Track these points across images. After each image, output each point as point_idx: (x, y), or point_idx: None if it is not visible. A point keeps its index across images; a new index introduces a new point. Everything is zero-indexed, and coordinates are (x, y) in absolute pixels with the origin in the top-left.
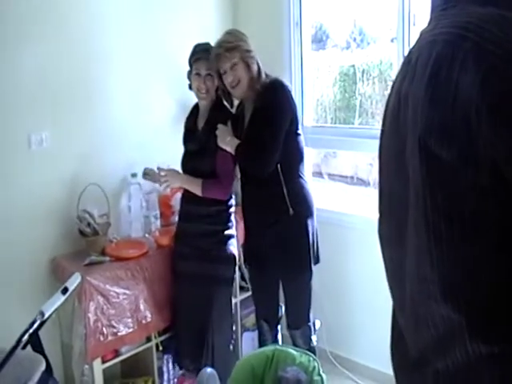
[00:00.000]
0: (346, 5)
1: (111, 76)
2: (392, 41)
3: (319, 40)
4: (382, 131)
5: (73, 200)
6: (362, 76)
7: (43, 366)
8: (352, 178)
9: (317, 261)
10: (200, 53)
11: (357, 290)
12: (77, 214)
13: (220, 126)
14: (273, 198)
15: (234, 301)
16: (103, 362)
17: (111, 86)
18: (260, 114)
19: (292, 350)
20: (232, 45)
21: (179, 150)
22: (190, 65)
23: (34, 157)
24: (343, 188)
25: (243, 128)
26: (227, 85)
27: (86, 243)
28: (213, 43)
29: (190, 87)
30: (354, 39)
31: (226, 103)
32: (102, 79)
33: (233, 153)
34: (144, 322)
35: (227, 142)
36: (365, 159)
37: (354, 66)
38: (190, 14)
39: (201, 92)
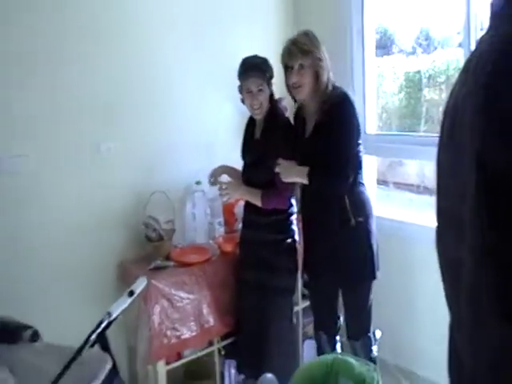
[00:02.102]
0: (411, 9)
1: (174, 85)
2: (460, 45)
3: (384, 45)
4: (440, 141)
5: (139, 206)
6: (428, 82)
7: (110, 365)
8: (418, 186)
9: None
10: (248, 70)
11: (421, 301)
12: (143, 220)
13: (281, 161)
14: (334, 207)
15: (295, 308)
16: (167, 363)
17: (174, 94)
18: (328, 131)
19: (352, 360)
20: (306, 48)
21: (240, 157)
22: (240, 80)
23: (103, 164)
24: (409, 197)
25: (303, 135)
26: (289, 83)
27: (152, 248)
28: (273, 53)
29: (243, 101)
30: (420, 44)
31: (280, 109)
32: (167, 88)
33: (305, 182)
34: (206, 326)
35: (294, 173)
36: (432, 168)
37: (419, 71)
38: (250, 22)
39: (254, 108)
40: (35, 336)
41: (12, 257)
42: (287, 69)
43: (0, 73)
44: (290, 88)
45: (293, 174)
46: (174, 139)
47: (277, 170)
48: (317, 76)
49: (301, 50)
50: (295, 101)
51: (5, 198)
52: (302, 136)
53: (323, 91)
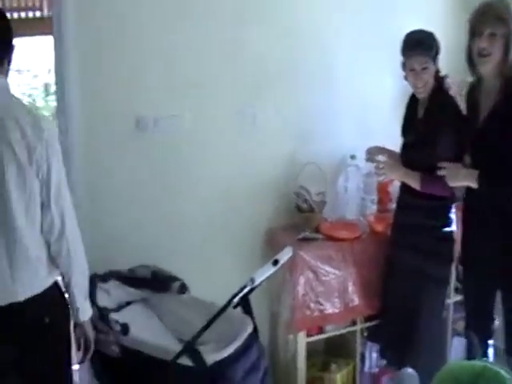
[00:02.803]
0: None
1: (333, 54)
2: None
3: None
4: None
5: (292, 176)
6: None
7: (251, 328)
8: None
9: None
10: (412, 47)
11: None
12: (294, 190)
13: (446, 164)
14: (504, 197)
15: (447, 302)
16: (307, 335)
17: (333, 64)
18: (509, 118)
19: (504, 373)
20: (502, 14)
21: (399, 136)
22: (404, 57)
23: (258, 132)
24: None
25: (475, 122)
26: (476, 49)
27: (301, 219)
28: (438, 26)
29: (406, 78)
30: None
31: (446, 87)
32: (325, 57)
33: (474, 186)
34: (351, 304)
35: (461, 177)
36: None
37: None
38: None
39: (417, 87)
40: (183, 288)
41: (165, 212)
42: (474, 35)
43: (168, 30)
44: (475, 56)
45: (460, 178)
46: (331, 111)
47: (441, 172)
48: (507, 49)
49: (496, 15)
50: (474, 75)
51: (160, 156)
52: (474, 122)
53: (510, 68)
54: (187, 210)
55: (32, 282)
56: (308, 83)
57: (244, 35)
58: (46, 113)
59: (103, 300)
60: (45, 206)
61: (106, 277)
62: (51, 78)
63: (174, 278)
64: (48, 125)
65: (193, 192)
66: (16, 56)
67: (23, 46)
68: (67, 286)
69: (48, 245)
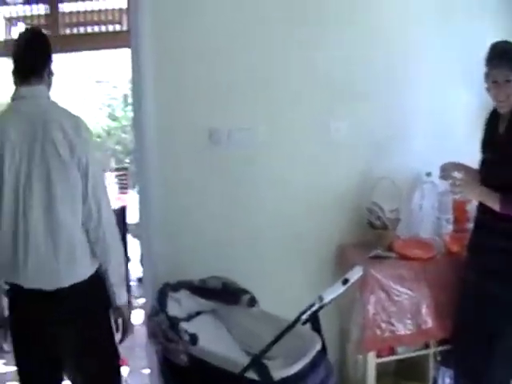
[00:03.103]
0: None
1: (409, 67)
2: None
3: None
4: None
5: (365, 191)
6: None
7: (319, 346)
8: None
9: None
10: (497, 57)
11: None
12: (367, 206)
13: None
14: None
15: None
16: (378, 356)
17: (409, 77)
18: None
19: None
20: None
21: (477, 153)
22: (487, 67)
23: (333, 146)
24: None
25: None
26: (492, 94)
27: (374, 236)
28: None
29: (488, 90)
30: None
31: None
32: (400, 70)
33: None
34: (424, 327)
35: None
36: None
37: None
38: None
39: (499, 100)
40: (252, 301)
41: (237, 225)
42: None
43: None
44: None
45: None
46: (406, 126)
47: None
48: None
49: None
50: None
51: (233, 168)
52: None
53: None
54: (259, 223)
55: (76, 269)
56: (383, 98)
57: (322, 50)
58: (124, 122)
59: (174, 309)
60: (84, 196)
61: (177, 286)
62: (130, 89)
63: (244, 291)
64: (86, 126)
65: (265, 205)
66: (96, 67)
67: (104, 58)
68: (105, 272)
69: (87, 233)
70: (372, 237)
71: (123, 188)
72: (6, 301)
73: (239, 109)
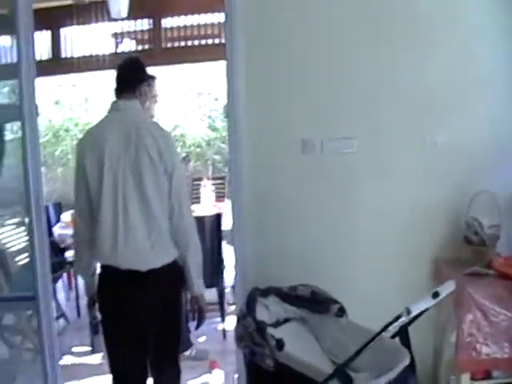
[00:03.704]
0: None
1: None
2: None
3: None
4: None
5: (461, 205)
6: None
7: (407, 361)
8: None
9: None
10: None
11: None
12: (465, 220)
13: None
14: None
15: None
16: (472, 379)
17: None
18: None
19: None
20: None
21: None
22: None
23: (429, 157)
24: None
25: None
26: None
27: (471, 252)
28: None
29: None
30: None
31: None
32: (502, 81)
33: None
34: None
35: None
36: None
37: None
38: None
39: None
40: (341, 311)
41: (329, 235)
42: None
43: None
44: None
45: None
46: (506, 141)
47: None
48: None
49: None
50: None
51: (326, 179)
52: None
53: None
54: (352, 234)
55: (163, 253)
56: (485, 109)
57: (417, 62)
58: (224, 133)
59: (262, 314)
60: (168, 195)
61: (266, 292)
62: None
63: (334, 301)
64: (170, 135)
65: (358, 216)
66: (198, 79)
67: (205, 71)
68: (184, 264)
69: (171, 226)
70: (468, 253)
71: (220, 196)
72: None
73: (332, 119)
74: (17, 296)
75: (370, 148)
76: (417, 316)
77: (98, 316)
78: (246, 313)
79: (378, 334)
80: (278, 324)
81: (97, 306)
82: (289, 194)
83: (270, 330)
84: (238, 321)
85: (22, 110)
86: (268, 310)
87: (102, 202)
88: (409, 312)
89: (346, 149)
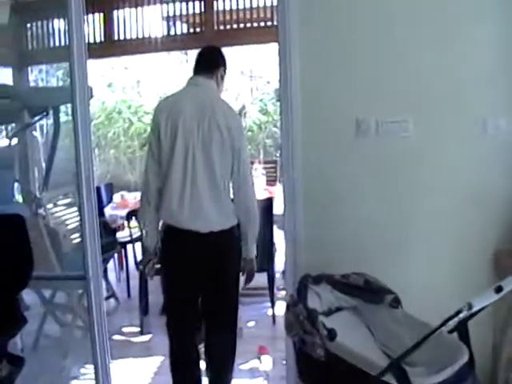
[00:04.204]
0: None
1: None
2: None
3: None
4: None
5: None
6: None
7: (467, 358)
8: None
9: None
10: None
11: None
12: None
13: None
14: None
15: None
16: None
17: None
18: None
19: None
20: None
21: None
22: None
23: (489, 142)
24: None
25: None
26: None
27: None
28: None
29: None
30: None
31: None
32: None
33: None
34: None
35: None
36: None
37: None
38: None
39: None
40: (396, 302)
41: (385, 221)
42: None
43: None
44: None
45: None
46: None
47: None
48: None
49: None
50: None
51: (381, 162)
52: None
53: None
54: (407, 221)
55: (223, 220)
56: None
57: (478, 42)
58: (275, 117)
59: (314, 302)
60: (233, 171)
61: (318, 279)
62: None
63: (388, 291)
64: (239, 117)
65: (415, 202)
66: (249, 63)
67: (256, 54)
68: (243, 230)
69: (235, 197)
70: None
71: (271, 180)
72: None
73: (388, 101)
74: (68, 275)
75: (426, 133)
76: (477, 311)
77: (151, 271)
78: (297, 300)
79: (438, 328)
80: (329, 313)
81: (150, 265)
82: (342, 177)
83: (322, 319)
84: (288, 308)
85: (74, 93)
86: (320, 298)
87: (172, 167)
88: (470, 307)
89: (401, 132)
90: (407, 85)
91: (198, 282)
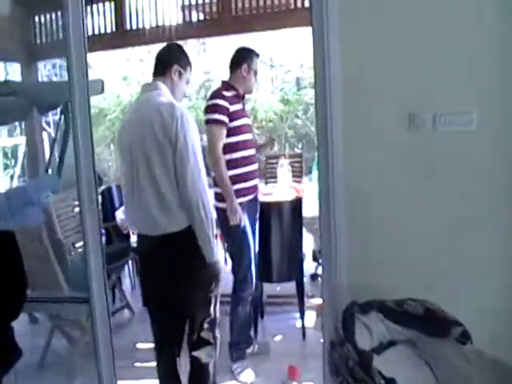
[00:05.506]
0: None
1: None
2: None
3: None
4: None
5: None
6: None
7: None
8: None
9: None
10: None
11: None
12: None
13: None
14: None
15: None
16: None
17: None
18: None
19: None
20: None
21: None
22: None
23: None
24: None
25: None
26: None
27: None
28: None
29: None
30: None
31: None
32: None
33: None
34: None
35: None
36: None
37: None
38: None
39: None
40: (465, 336)
41: (441, 226)
42: None
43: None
44: None
45: None
46: None
47: None
48: None
49: None
50: None
51: (441, 160)
52: None
53: None
54: (475, 234)
55: (172, 222)
56: None
57: None
58: (296, 106)
59: (363, 339)
60: (173, 167)
61: (366, 307)
62: (302, 73)
63: (455, 322)
64: (179, 112)
65: (482, 213)
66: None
67: (277, 43)
68: (194, 229)
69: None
70: None
71: (297, 176)
72: None
73: (446, 90)
74: (70, 297)
75: (492, 127)
76: None
77: None
78: (344, 338)
79: None
80: (381, 348)
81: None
82: (390, 178)
83: (376, 363)
84: (333, 347)
85: (72, 90)
86: (369, 332)
87: (124, 179)
88: None
89: (462, 125)
90: (468, 73)
91: (162, 286)
